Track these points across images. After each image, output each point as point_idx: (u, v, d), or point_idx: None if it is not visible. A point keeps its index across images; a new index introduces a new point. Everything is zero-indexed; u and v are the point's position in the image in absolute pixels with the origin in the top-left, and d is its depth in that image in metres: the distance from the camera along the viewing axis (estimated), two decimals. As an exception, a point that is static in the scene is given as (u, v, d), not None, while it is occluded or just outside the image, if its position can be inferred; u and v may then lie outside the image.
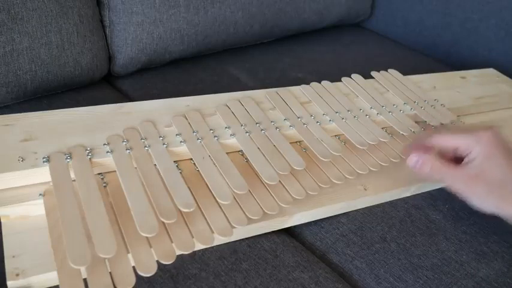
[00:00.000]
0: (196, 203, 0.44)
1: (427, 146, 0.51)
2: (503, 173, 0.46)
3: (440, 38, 1.03)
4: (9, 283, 0.38)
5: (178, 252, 0.41)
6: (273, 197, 0.48)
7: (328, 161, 0.53)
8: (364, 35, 1.12)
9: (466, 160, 0.49)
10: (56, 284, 0.38)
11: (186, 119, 0.53)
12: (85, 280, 0.37)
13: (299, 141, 0.56)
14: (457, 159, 0.50)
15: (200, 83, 0.78)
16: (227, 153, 0.49)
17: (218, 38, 0.84)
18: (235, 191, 0.45)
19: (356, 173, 0.54)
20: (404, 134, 0.59)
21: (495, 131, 0.49)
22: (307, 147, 0.54)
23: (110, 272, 0.37)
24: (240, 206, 0.46)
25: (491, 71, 0.84)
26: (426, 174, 0.49)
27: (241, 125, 0.53)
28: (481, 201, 0.46)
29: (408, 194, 0.58)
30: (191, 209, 0.42)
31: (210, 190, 0.45)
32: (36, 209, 0.43)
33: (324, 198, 0.52)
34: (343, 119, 0.58)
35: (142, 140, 0.48)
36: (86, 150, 0.45)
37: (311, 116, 0.58)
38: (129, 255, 0.39)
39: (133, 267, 0.38)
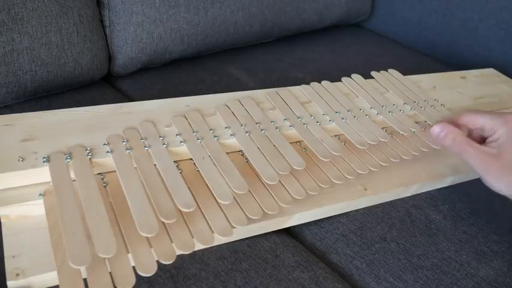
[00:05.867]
0: (196, 203, 0.44)
1: (454, 123, 0.51)
2: None
3: (440, 38, 1.03)
4: (9, 283, 0.38)
5: (178, 252, 0.41)
6: (273, 197, 0.48)
7: (328, 161, 0.53)
8: (364, 35, 1.12)
9: (489, 139, 0.49)
10: (56, 284, 0.38)
11: (186, 119, 0.53)
12: (85, 280, 0.37)
13: (299, 141, 0.56)
14: (481, 141, 0.50)
15: (200, 83, 0.78)
16: (227, 153, 0.49)
17: (218, 38, 0.84)
18: (235, 191, 0.45)
19: (356, 173, 0.54)
20: (404, 134, 0.59)
21: None
22: (307, 147, 0.54)
23: (110, 272, 0.37)
24: (240, 206, 0.46)
25: (491, 71, 0.84)
26: (447, 146, 0.49)
27: (241, 125, 0.53)
28: (495, 181, 0.46)
29: (408, 194, 0.58)
30: (191, 209, 0.41)
31: (210, 190, 0.45)
32: (36, 209, 0.43)
33: (324, 198, 0.52)
34: (343, 119, 0.58)
35: (142, 140, 0.48)
36: (86, 150, 0.45)
37: (311, 116, 0.58)
38: (129, 255, 0.39)
39: (133, 267, 0.38)
